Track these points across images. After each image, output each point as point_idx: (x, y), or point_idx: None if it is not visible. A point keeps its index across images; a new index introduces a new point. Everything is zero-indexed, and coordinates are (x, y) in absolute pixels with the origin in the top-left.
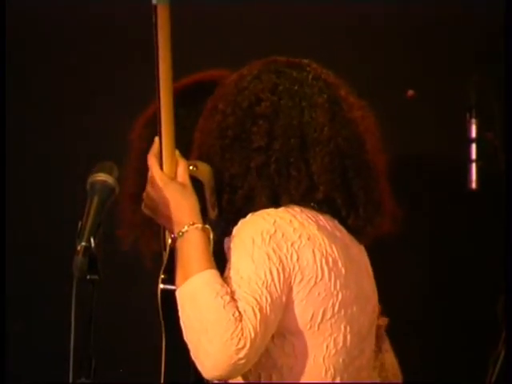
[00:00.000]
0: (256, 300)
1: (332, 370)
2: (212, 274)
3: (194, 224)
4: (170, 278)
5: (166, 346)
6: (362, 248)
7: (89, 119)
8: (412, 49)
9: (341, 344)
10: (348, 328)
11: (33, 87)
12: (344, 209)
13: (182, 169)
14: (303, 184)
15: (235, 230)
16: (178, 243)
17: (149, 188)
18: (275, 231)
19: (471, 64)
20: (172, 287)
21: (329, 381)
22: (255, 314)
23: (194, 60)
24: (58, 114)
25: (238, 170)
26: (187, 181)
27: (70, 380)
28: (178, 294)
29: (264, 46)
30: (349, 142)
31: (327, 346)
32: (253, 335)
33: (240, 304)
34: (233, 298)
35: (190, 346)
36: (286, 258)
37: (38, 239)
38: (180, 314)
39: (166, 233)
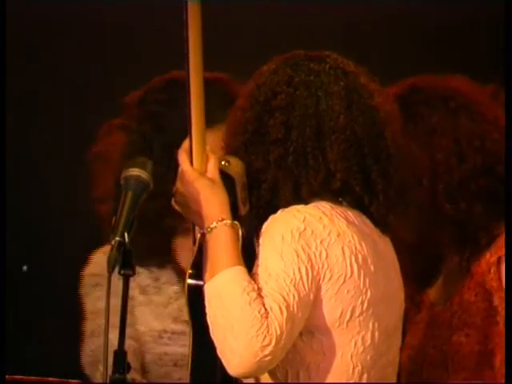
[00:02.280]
0: (283, 297)
1: (360, 367)
2: (239, 270)
3: (222, 220)
4: (198, 274)
5: (193, 341)
6: (389, 242)
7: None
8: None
9: (369, 341)
10: (376, 325)
11: (32, 87)
12: (365, 196)
13: (212, 164)
14: (321, 173)
15: (265, 226)
16: (207, 239)
17: (179, 183)
18: (305, 228)
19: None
20: (199, 282)
21: (356, 378)
22: (281, 312)
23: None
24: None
25: (260, 164)
26: (217, 176)
27: (104, 375)
28: (205, 289)
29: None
30: (367, 128)
31: (355, 344)
32: (279, 332)
33: (267, 301)
34: (260, 295)
35: (216, 343)
36: (315, 255)
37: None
38: (207, 310)
39: (196, 228)
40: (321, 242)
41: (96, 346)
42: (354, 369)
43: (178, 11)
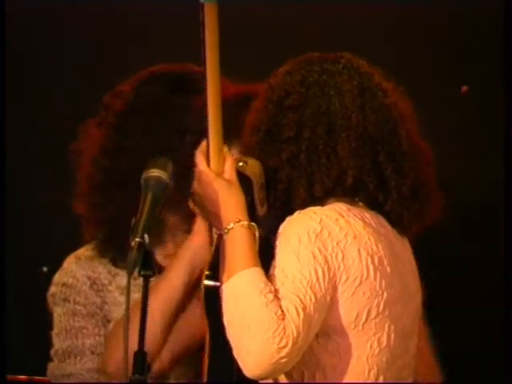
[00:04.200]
0: (300, 299)
1: (375, 369)
2: (256, 271)
3: (239, 221)
4: (215, 275)
5: (209, 342)
6: (406, 243)
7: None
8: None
9: (385, 343)
10: (392, 327)
11: (33, 87)
12: (380, 194)
13: (229, 165)
14: (333, 171)
15: (281, 227)
16: (224, 240)
17: (196, 184)
18: (321, 230)
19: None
20: (216, 283)
21: (372, 380)
22: (298, 313)
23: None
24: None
25: (273, 163)
26: (234, 177)
27: (124, 376)
28: (222, 291)
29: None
30: (380, 126)
31: (371, 346)
32: (295, 334)
33: (283, 302)
34: (276, 297)
35: (233, 344)
36: (332, 257)
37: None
38: (223, 311)
39: (213, 229)
40: (337, 244)
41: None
42: (369, 371)
43: (179, 11)
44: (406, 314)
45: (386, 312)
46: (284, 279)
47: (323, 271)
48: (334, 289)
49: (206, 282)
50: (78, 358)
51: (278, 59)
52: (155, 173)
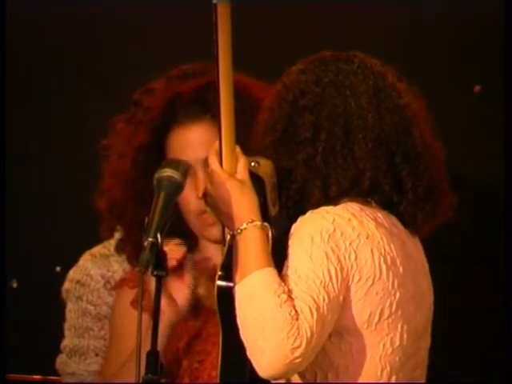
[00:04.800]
0: (313, 299)
1: (388, 368)
2: (269, 272)
3: (252, 221)
4: (228, 275)
5: (222, 343)
6: (418, 243)
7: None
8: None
9: (397, 343)
10: (405, 327)
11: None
12: (395, 196)
13: (242, 165)
14: (350, 172)
15: (294, 227)
16: (236, 240)
17: (208, 185)
18: (334, 230)
19: None
20: (229, 284)
21: (385, 380)
22: (312, 313)
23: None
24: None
25: (288, 164)
26: (247, 177)
27: (137, 376)
28: (235, 291)
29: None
30: (395, 127)
31: (384, 345)
32: (309, 334)
33: (297, 303)
34: (290, 297)
35: (246, 345)
36: (345, 257)
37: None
38: (237, 312)
39: (226, 230)
40: (350, 244)
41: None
42: (382, 371)
43: (179, 11)
44: (419, 314)
45: (399, 312)
46: (297, 279)
47: (336, 271)
48: (347, 289)
49: (219, 283)
50: (83, 357)
51: (277, 59)
52: (168, 172)
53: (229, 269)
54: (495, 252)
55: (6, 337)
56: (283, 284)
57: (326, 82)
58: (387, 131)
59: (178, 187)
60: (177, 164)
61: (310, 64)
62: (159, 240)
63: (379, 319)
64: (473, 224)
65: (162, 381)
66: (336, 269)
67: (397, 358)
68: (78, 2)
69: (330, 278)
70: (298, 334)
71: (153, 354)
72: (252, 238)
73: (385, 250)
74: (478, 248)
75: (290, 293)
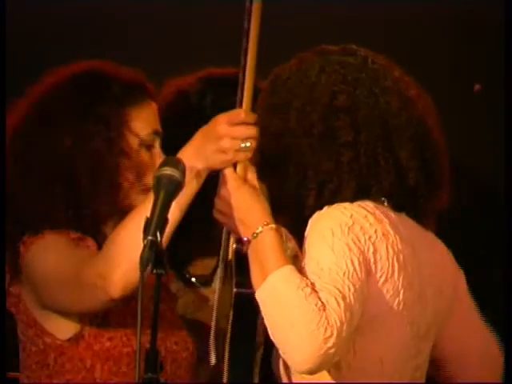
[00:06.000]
0: (338, 289)
1: (389, 368)
2: (290, 269)
3: (267, 224)
4: (244, 282)
5: (232, 348)
6: (435, 244)
7: None
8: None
9: (400, 343)
10: (408, 327)
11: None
12: (412, 194)
13: (251, 173)
14: (392, 173)
15: (311, 221)
16: (252, 245)
17: (223, 191)
18: (353, 223)
19: None
20: (246, 291)
21: (386, 380)
22: (338, 303)
23: None
24: None
25: (328, 166)
26: (257, 184)
27: (137, 375)
28: (258, 294)
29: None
30: (418, 122)
31: (387, 345)
32: (339, 324)
33: (322, 294)
34: (314, 290)
35: (278, 344)
36: (365, 249)
37: None
38: (264, 313)
39: (231, 239)
40: (369, 238)
41: None
42: (383, 370)
43: (179, 11)
44: (423, 317)
45: (405, 312)
46: (320, 272)
47: (359, 261)
48: (367, 280)
49: (236, 290)
50: None
51: (277, 59)
52: (167, 171)
53: (245, 275)
54: (495, 252)
55: (5, 337)
56: (305, 278)
57: (351, 80)
58: (417, 128)
59: (178, 186)
60: (176, 163)
61: (322, 60)
62: (159, 238)
63: (385, 318)
64: (473, 224)
65: (162, 380)
66: (359, 259)
67: (398, 358)
68: (78, 1)
69: (354, 269)
70: (328, 323)
71: (152, 353)
72: (268, 239)
73: (398, 248)
74: (478, 248)
75: (313, 286)
